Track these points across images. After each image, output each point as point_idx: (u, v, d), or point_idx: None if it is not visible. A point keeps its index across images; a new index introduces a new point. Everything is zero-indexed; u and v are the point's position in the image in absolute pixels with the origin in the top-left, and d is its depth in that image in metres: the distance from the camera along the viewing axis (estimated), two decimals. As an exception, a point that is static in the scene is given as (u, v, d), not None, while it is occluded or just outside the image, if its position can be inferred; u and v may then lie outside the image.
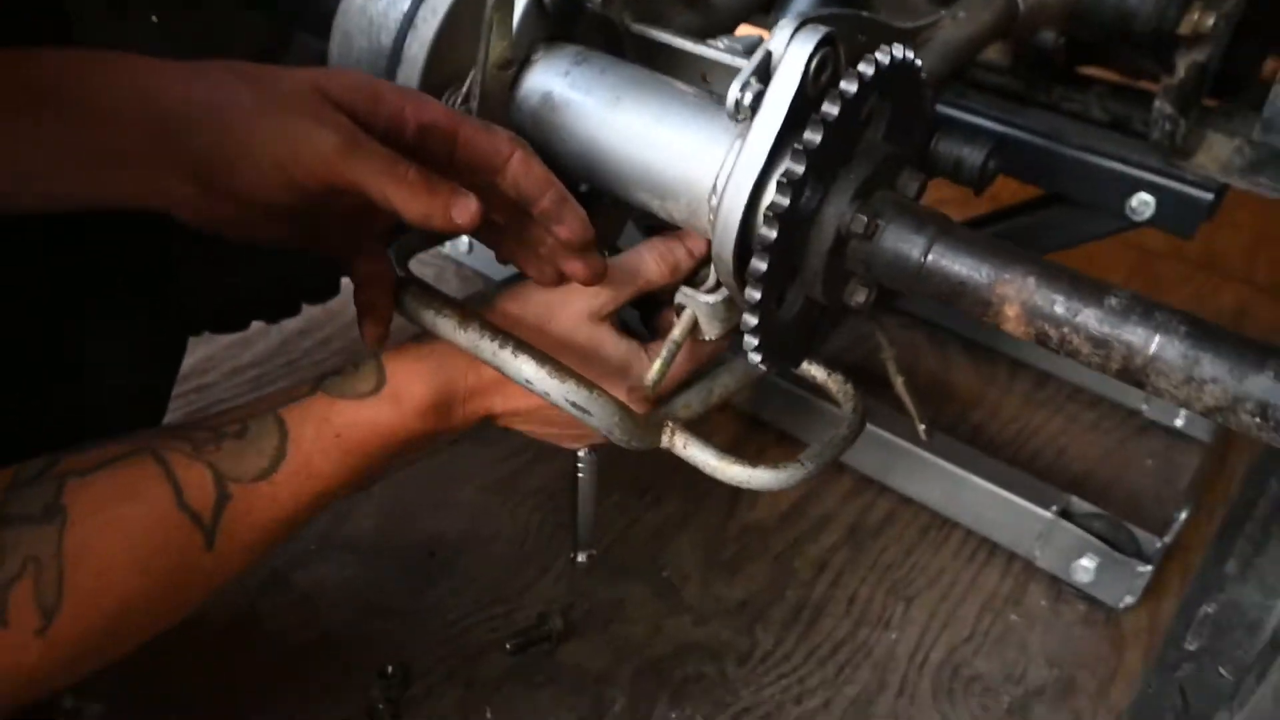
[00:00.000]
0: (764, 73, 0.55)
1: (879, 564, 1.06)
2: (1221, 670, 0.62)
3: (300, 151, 0.53)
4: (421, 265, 0.66)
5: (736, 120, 0.57)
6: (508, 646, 0.90)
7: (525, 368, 0.59)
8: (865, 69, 0.55)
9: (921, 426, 1.08)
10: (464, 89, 0.63)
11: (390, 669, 0.86)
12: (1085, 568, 1.02)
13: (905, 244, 0.57)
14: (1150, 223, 0.99)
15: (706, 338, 0.67)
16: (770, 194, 0.55)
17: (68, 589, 0.49)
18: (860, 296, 0.61)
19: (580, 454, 0.77)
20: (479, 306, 0.66)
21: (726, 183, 0.56)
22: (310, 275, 0.94)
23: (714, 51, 0.64)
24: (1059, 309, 0.53)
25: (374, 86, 0.57)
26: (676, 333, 0.64)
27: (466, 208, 0.55)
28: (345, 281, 0.99)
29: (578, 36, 0.66)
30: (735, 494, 1.11)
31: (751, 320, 0.58)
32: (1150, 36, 0.89)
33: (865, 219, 0.56)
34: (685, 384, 0.70)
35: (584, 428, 0.61)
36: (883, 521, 1.11)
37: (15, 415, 0.57)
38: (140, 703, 0.80)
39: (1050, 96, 1.06)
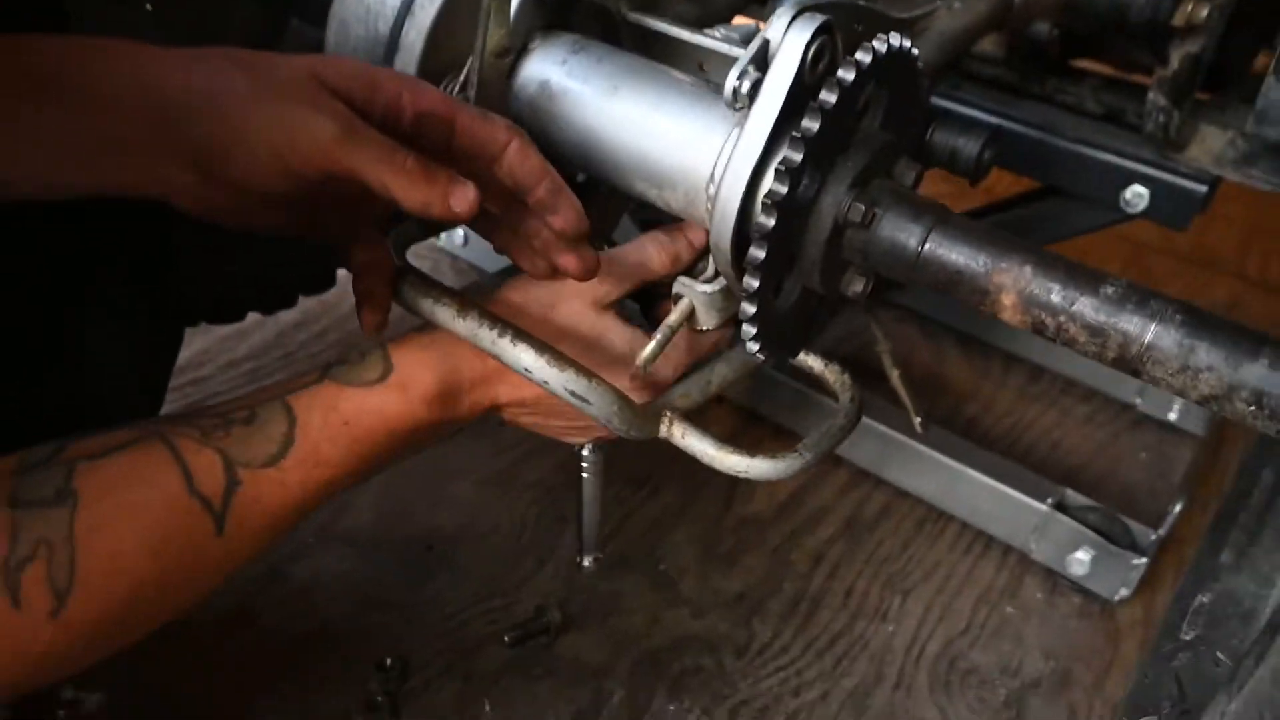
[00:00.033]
0: (762, 61, 0.55)
1: (875, 557, 1.06)
2: (1220, 655, 0.62)
3: (298, 139, 0.53)
4: (416, 259, 0.66)
5: (734, 108, 0.57)
6: (506, 639, 0.90)
7: (524, 356, 0.59)
8: (863, 57, 0.55)
9: (917, 419, 1.08)
10: (461, 77, 0.63)
11: (389, 662, 0.86)
12: (1080, 560, 1.02)
13: (902, 233, 0.57)
14: (1144, 215, 1.00)
15: (703, 328, 0.67)
16: (768, 181, 0.55)
17: (80, 572, 0.49)
18: (857, 286, 0.61)
19: (584, 454, 0.77)
20: (482, 296, 0.66)
21: (724, 170, 0.56)
22: (307, 266, 0.94)
23: (711, 40, 0.64)
24: (1055, 297, 0.53)
25: (371, 74, 0.57)
26: (673, 317, 0.64)
27: (465, 196, 0.55)
28: (341, 274, 0.99)
29: (575, 25, 0.66)
30: (732, 487, 1.11)
31: (750, 309, 0.58)
32: (1144, 28, 0.89)
33: (863, 207, 0.57)
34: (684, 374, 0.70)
35: (588, 420, 0.61)
36: (879, 514, 1.11)
37: (14, 403, 0.57)
38: (139, 694, 0.80)
39: (1044, 89, 1.06)
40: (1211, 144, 0.95)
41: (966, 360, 1.36)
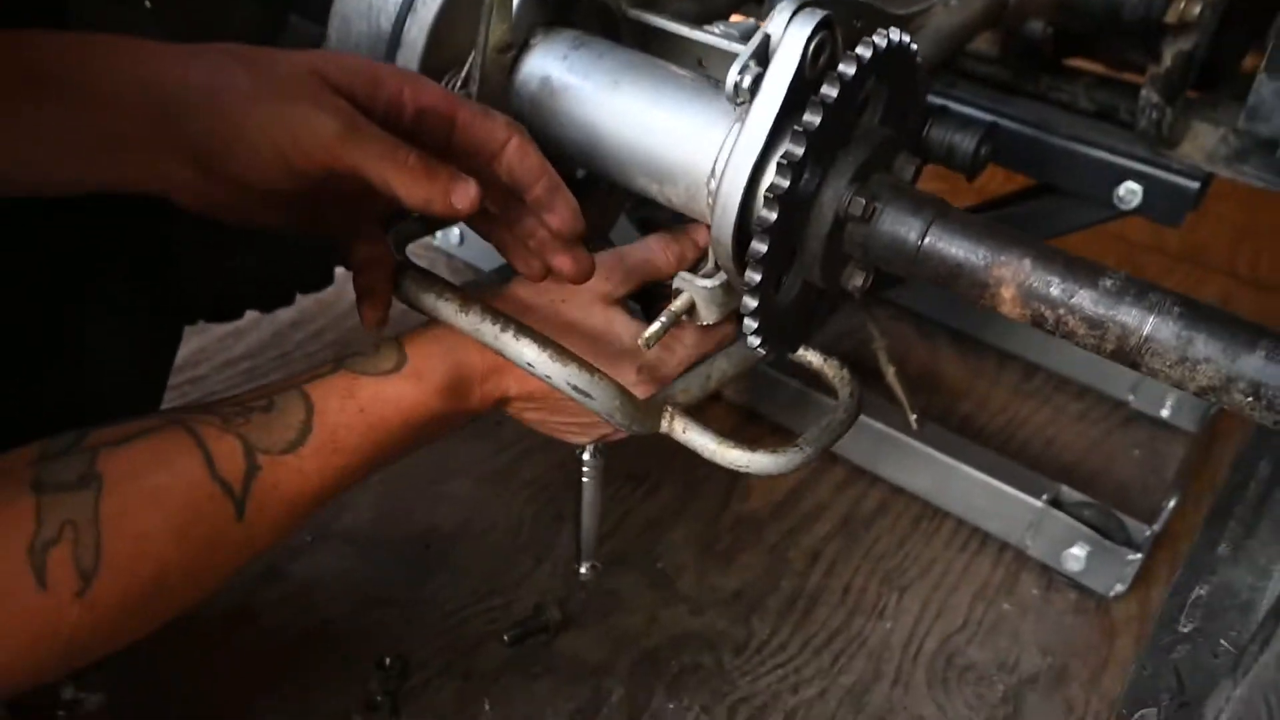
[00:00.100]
0: (763, 55, 0.56)
1: (872, 554, 1.06)
2: (1222, 642, 0.63)
3: (299, 136, 0.53)
4: (413, 258, 0.66)
5: (735, 103, 0.57)
6: (505, 638, 0.90)
7: (526, 351, 0.59)
8: (863, 51, 0.55)
9: (913, 416, 1.09)
10: (463, 73, 0.63)
11: (388, 660, 0.86)
12: (1076, 556, 1.02)
13: (903, 226, 0.57)
14: (1137, 211, 1.00)
15: (704, 323, 0.67)
16: (770, 175, 0.55)
17: (105, 553, 0.48)
18: (858, 280, 0.62)
19: (585, 458, 0.76)
20: (490, 292, 0.66)
21: (726, 165, 0.56)
22: (305, 263, 0.94)
23: (711, 36, 0.64)
24: (1054, 290, 0.54)
25: (373, 70, 0.57)
26: (676, 304, 0.64)
27: (466, 193, 0.55)
28: (339, 273, 0.99)
29: (575, 21, 0.66)
30: (729, 485, 1.11)
31: (751, 303, 0.58)
32: (1138, 25, 0.90)
33: (863, 201, 0.57)
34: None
35: (591, 417, 0.61)
36: (875, 512, 1.12)
37: (14, 400, 0.57)
38: (139, 694, 0.80)
39: (1038, 86, 1.07)
40: (1204, 141, 0.96)
41: (961, 358, 1.37)
